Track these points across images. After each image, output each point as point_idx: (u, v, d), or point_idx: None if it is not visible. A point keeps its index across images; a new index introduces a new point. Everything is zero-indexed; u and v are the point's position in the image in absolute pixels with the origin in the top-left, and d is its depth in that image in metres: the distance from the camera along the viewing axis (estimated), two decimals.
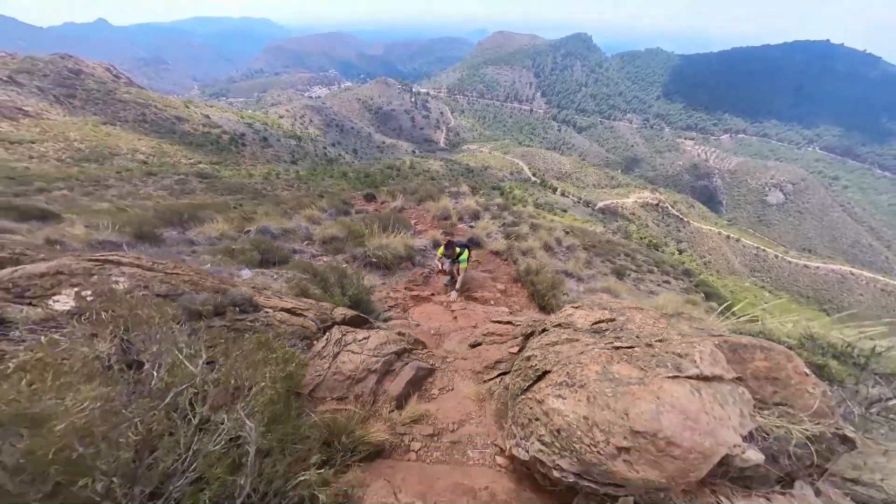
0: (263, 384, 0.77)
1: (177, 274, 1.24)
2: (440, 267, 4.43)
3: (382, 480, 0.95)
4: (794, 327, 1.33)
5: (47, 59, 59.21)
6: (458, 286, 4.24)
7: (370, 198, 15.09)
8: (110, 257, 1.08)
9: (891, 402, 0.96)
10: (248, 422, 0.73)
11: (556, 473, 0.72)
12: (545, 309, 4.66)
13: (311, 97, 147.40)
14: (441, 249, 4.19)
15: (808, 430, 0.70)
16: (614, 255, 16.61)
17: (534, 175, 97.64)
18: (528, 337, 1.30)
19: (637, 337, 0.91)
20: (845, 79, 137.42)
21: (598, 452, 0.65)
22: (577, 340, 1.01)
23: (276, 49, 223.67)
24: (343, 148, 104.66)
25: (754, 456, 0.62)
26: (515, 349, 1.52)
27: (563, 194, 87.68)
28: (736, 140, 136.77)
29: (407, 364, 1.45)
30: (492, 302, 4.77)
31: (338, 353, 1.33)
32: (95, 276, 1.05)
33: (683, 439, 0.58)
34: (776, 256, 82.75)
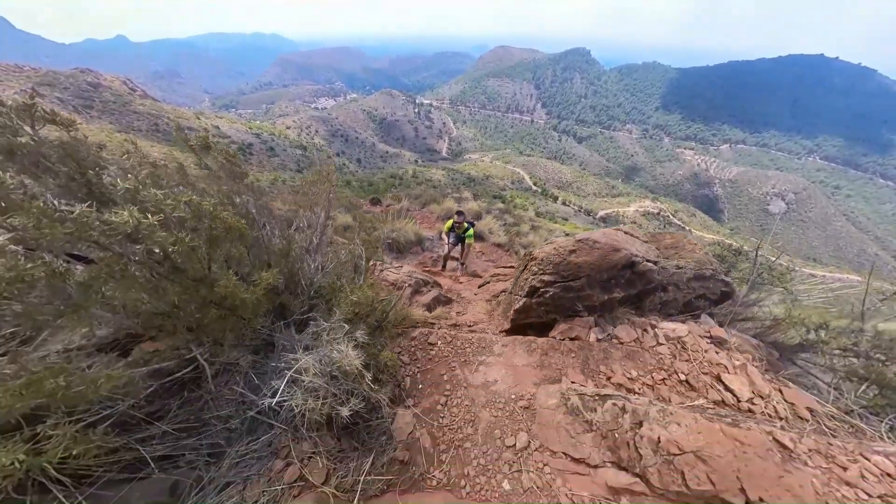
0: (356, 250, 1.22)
1: None
2: (444, 241, 4.34)
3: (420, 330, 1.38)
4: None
5: (68, 73, 62.37)
6: (463, 260, 4.50)
7: (375, 201, 15.73)
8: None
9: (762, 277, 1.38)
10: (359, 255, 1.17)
11: (541, 288, 1.17)
12: None
13: (317, 108, 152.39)
14: (448, 223, 4.10)
15: (692, 264, 1.13)
16: None
17: (535, 184, 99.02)
18: (527, 254, 1.74)
19: (602, 232, 1.39)
20: (841, 91, 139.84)
21: (561, 255, 1.11)
22: (557, 238, 1.48)
23: (286, 62, 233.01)
24: (347, 157, 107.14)
25: (650, 266, 1.07)
26: (517, 269, 1.97)
27: (564, 203, 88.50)
28: (735, 150, 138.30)
29: (433, 290, 1.88)
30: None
31: (382, 270, 1.78)
32: None
33: (602, 242, 1.06)
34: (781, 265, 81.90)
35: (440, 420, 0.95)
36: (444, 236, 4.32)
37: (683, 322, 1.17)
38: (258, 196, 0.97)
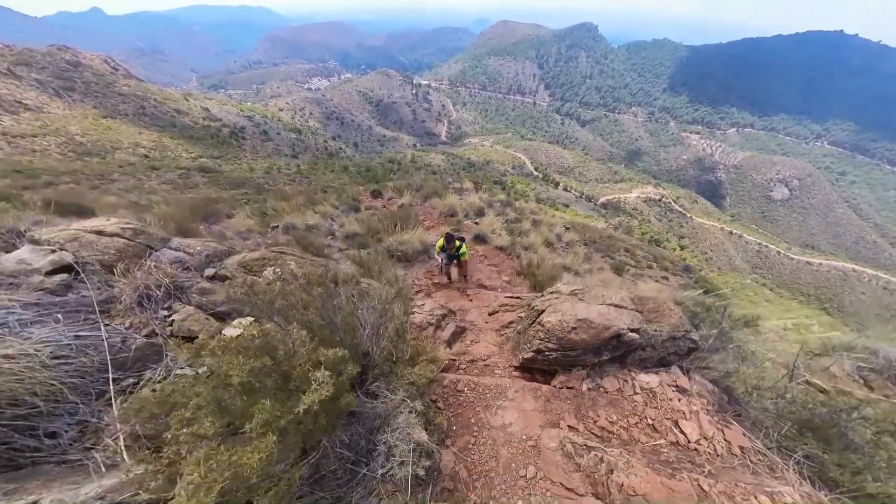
0: (396, 314, 1.53)
1: (309, 259, 2.00)
2: (440, 262, 4.41)
3: (449, 377, 1.73)
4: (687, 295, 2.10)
5: (45, 50, 58.70)
6: (465, 274, 4.60)
7: (376, 194, 15.68)
8: (285, 250, 1.84)
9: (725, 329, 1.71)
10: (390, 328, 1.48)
11: (546, 351, 1.51)
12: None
13: (310, 89, 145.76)
14: (440, 243, 4.09)
15: (667, 328, 1.46)
16: (614, 251, 17.01)
17: (536, 170, 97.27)
18: (530, 305, 2.06)
19: (593, 295, 1.68)
20: (858, 72, 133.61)
21: (563, 331, 1.43)
22: (560, 296, 1.79)
23: (275, 39, 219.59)
24: (344, 141, 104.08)
25: (634, 336, 1.40)
26: (523, 313, 2.29)
27: (565, 189, 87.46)
28: (742, 134, 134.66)
29: (450, 322, 2.22)
30: (499, 290, 5.58)
31: (411, 314, 2.11)
32: (279, 260, 1.81)
33: (597, 322, 1.38)
34: (778, 253, 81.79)
35: (472, 456, 1.31)
36: (437, 256, 4.37)
37: (656, 373, 1.52)
38: (337, 300, 1.24)
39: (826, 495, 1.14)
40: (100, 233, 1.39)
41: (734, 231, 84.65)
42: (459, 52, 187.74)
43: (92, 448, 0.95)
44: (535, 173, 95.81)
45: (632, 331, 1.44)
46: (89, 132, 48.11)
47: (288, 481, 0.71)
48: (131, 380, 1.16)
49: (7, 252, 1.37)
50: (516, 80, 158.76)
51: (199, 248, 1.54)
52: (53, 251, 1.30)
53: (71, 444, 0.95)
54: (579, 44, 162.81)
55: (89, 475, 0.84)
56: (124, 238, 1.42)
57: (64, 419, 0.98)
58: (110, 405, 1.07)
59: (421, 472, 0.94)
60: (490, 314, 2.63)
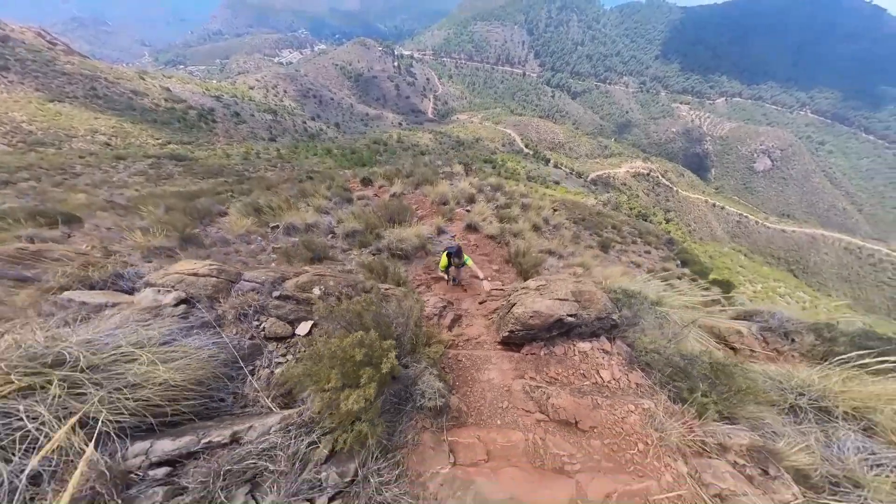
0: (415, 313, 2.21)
1: (340, 276, 2.62)
2: (446, 277, 4.65)
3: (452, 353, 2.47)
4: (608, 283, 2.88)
5: None
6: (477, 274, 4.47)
7: (366, 181, 15.67)
8: (323, 272, 2.45)
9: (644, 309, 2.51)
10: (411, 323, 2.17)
11: (516, 331, 2.25)
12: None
13: (281, 63, 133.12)
14: (443, 262, 4.04)
15: (595, 312, 2.22)
16: (602, 228, 17.79)
17: (526, 146, 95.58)
18: (508, 298, 2.77)
19: (549, 290, 2.41)
20: (848, 36, 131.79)
21: (525, 318, 2.18)
22: (528, 291, 2.51)
23: (237, 4, 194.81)
24: (324, 121, 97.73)
25: (571, 319, 2.15)
26: (504, 303, 3.03)
27: (555, 166, 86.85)
28: (731, 104, 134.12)
29: (449, 311, 2.93)
30: (489, 279, 6.35)
31: (422, 309, 2.81)
32: (321, 281, 2.43)
33: (545, 312, 2.13)
34: (756, 223, 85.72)
35: (468, 399, 2.07)
36: (442, 273, 4.53)
37: (589, 342, 2.29)
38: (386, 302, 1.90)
39: (680, 407, 1.97)
40: (195, 274, 1.97)
41: (717, 203, 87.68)
42: (442, 16, 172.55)
43: (245, 407, 1.63)
44: (526, 150, 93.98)
45: (570, 316, 2.19)
46: (36, 119, 43.34)
47: (376, 408, 1.42)
48: (249, 367, 1.83)
49: (129, 293, 1.94)
50: (504, 48, 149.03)
51: (262, 277, 2.15)
52: (170, 290, 1.88)
53: (232, 406, 1.62)
54: (570, 6, 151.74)
55: (256, 417, 1.53)
56: (213, 276, 2.01)
57: (224, 391, 1.63)
58: (243, 382, 1.74)
59: (440, 404, 1.68)
60: (480, 303, 3.36)
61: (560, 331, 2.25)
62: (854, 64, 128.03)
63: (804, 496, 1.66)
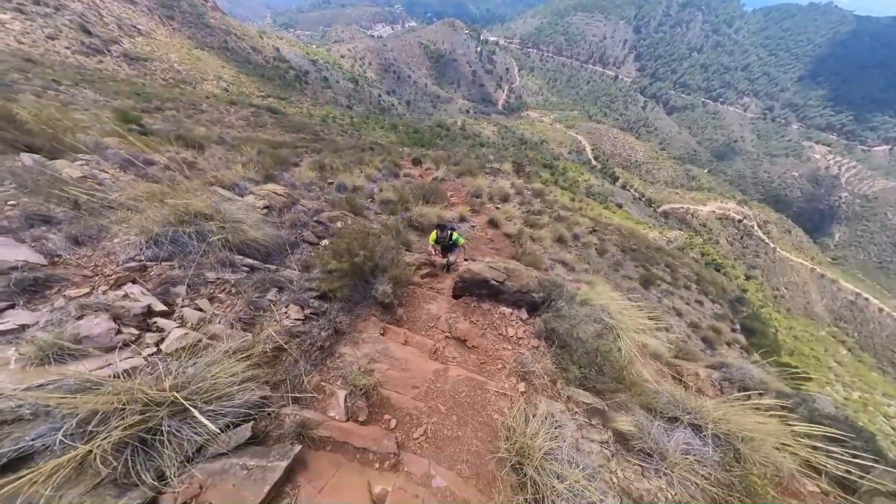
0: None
1: (358, 221, 3.79)
2: (434, 254, 4.36)
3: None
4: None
5: None
6: (456, 259, 4.49)
7: (416, 162, 17.05)
8: (346, 212, 3.64)
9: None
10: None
11: (457, 283, 3.18)
12: None
13: (373, 36, 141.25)
14: (432, 237, 3.97)
15: (517, 285, 2.97)
16: (652, 263, 15.23)
17: (596, 158, 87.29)
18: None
19: (492, 264, 3.22)
20: None
21: (462, 273, 3.08)
22: (480, 262, 3.37)
23: None
24: (397, 97, 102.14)
25: (495, 283, 2.95)
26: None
27: (623, 186, 78.02)
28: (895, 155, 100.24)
29: (428, 268, 3.94)
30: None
31: (405, 255, 3.86)
32: (344, 217, 3.63)
33: (475, 271, 2.98)
34: (880, 310, 65.37)
35: (410, 313, 3.11)
36: (431, 249, 4.33)
37: (511, 308, 3.08)
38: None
39: (553, 368, 2.69)
40: (276, 193, 3.31)
41: (827, 274, 68.81)
42: (541, 3, 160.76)
43: (285, 266, 2.90)
44: (594, 162, 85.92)
45: (495, 281, 2.98)
46: (185, 61, 54.93)
47: (344, 283, 2.55)
48: (291, 252, 3.11)
49: (240, 196, 3.37)
50: (601, 45, 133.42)
51: (310, 206, 3.43)
52: (261, 199, 3.25)
53: (279, 264, 2.92)
54: (697, 3, 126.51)
55: (289, 270, 2.78)
56: (284, 197, 3.33)
57: (276, 257, 2.94)
58: (285, 257, 3.03)
59: (387, 301, 2.73)
60: (455, 271, 4.28)
61: (489, 291, 3.05)
62: None
63: (612, 447, 2.29)
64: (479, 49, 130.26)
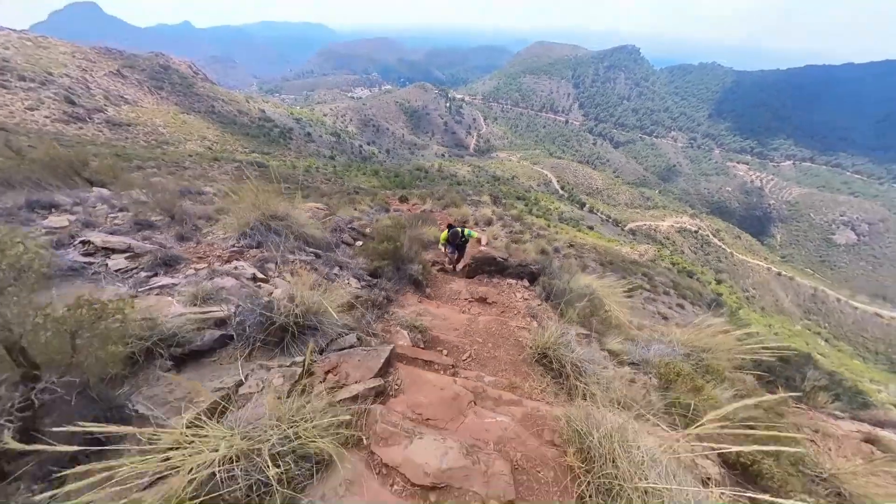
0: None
1: (379, 228, 4.62)
2: (445, 252, 4.63)
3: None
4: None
5: (146, 56, 71.14)
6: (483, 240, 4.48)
7: (403, 199, 18.66)
8: (362, 220, 4.47)
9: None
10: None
11: (470, 265, 3.94)
12: None
13: (353, 98, 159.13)
14: (443, 236, 4.27)
15: (517, 261, 3.74)
16: (630, 273, 16.50)
17: (562, 188, 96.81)
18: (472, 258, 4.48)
19: (496, 246, 4.03)
20: None
21: (475, 254, 3.87)
22: (483, 249, 4.22)
23: (328, 52, 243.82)
24: (377, 146, 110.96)
25: (501, 260, 3.74)
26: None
27: (591, 211, 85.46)
28: (800, 169, 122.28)
29: (439, 265, 4.71)
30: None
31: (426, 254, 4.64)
32: (371, 225, 4.45)
33: (484, 250, 3.79)
34: (839, 300, 70.68)
35: (436, 291, 3.81)
36: (443, 248, 4.58)
37: (515, 279, 3.86)
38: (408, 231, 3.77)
39: (555, 314, 3.41)
40: (318, 208, 4.11)
41: (783, 273, 75.67)
42: (496, 69, 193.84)
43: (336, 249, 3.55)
44: (562, 192, 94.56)
45: (500, 258, 3.81)
46: (170, 125, 57.83)
47: (389, 264, 3.25)
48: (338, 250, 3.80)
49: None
50: (550, 98, 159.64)
51: (346, 217, 4.26)
52: (307, 212, 4.03)
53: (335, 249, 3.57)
54: (619, 65, 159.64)
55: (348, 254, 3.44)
56: (325, 210, 4.14)
57: (330, 249, 3.60)
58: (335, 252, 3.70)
59: (419, 278, 3.42)
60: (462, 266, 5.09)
61: (496, 268, 3.84)
62: None
63: (608, 363, 2.94)
64: (448, 105, 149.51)
